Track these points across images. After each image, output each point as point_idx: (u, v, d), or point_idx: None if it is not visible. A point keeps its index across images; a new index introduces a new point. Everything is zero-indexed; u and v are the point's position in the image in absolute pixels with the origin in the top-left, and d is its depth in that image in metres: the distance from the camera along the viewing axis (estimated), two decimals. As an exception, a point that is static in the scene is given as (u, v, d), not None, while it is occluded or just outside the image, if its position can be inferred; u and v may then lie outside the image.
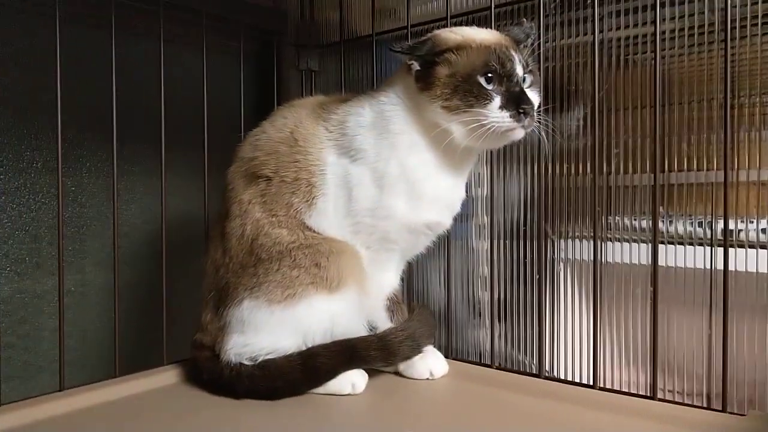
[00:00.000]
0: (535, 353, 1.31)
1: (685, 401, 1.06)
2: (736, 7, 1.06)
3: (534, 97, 1.00)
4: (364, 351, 1.05)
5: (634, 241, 1.21)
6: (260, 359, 1.04)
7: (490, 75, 0.97)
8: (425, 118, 1.02)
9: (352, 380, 1.06)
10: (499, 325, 1.37)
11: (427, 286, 1.49)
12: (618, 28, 1.21)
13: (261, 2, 1.61)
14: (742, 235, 1.10)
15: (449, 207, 1.10)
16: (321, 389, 1.05)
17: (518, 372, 1.20)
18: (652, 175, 1.07)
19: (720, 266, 1.01)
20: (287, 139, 1.08)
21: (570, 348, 1.29)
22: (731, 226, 1.09)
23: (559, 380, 1.17)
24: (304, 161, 1.06)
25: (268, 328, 1.03)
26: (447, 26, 1.20)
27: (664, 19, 1.13)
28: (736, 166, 1.09)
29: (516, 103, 0.96)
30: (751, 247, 1.09)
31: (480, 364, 1.26)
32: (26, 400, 1.02)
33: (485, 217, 1.40)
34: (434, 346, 1.19)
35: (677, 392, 1.16)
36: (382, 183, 1.04)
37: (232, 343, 1.05)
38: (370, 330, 1.09)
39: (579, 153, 1.27)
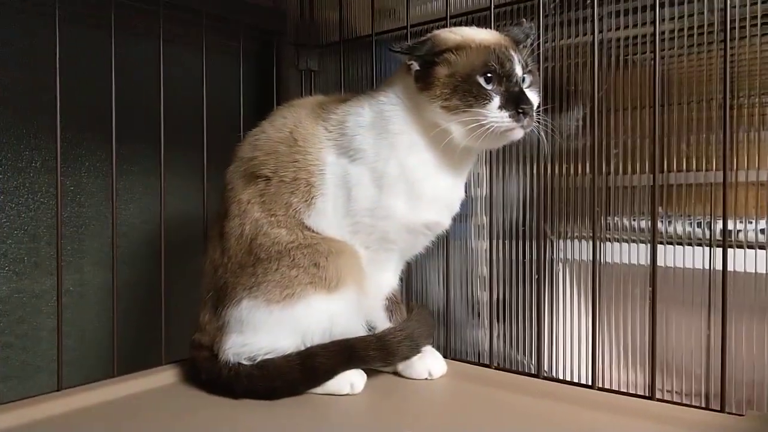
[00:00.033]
0: (533, 353, 1.31)
1: (684, 401, 1.06)
2: (735, 7, 1.06)
3: (533, 97, 1.00)
4: (363, 351, 1.05)
5: (633, 241, 1.21)
6: (259, 359, 1.03)
7: (489, 75, 0.97)
8: (424, 118, 1.02)
9: (351, 380, 1.05)
10: (498, 325, 1.37)
11: (426, 286, 1.49)
12: (617, 29, 1.21)
13: (261, 2, 1.61)
14: (741, 236, 1.10)
15: (448, 207, 1.10)
16: (319, 389, 1.05)
17: (517, 372, 1.20)
18: (652, 176, 1.07)
19: (719, 267, 1.01)
20: (286, 139, 1.08)
21: (569, 348, 1.29)
22: (730, 226, 1.09)
23: (557, 380, 1.16)
24: (303, 161, 1.06)
25: (266, 328, 1.03)
26: (446, 26, 1.20)
27: (663, 20, 1.13)
28: (735, 167, 1.09)
29: (515, 103, 0.96)
30: (750, 247, 1.09)
31: (479, 364, 1.26)
32: (24, 400, 1.02)
33: (484, 218, 1.40)
34: (433, 346, 1.19)
35: (676, 392, 1.16)
36: (382, 183, 1.04)
37: (230, 343, 1.05)
38: (369, 330, 1.09)
39: (578, 153, 1.27)
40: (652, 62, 1.05)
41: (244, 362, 1.04)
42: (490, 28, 1.13)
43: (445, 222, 1.11)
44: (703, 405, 1.08)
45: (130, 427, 0.97)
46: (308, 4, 1.67)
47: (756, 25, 1.06)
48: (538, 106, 1.02)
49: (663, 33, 1.14)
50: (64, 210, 1.35)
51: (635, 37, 1.19)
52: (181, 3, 1.35)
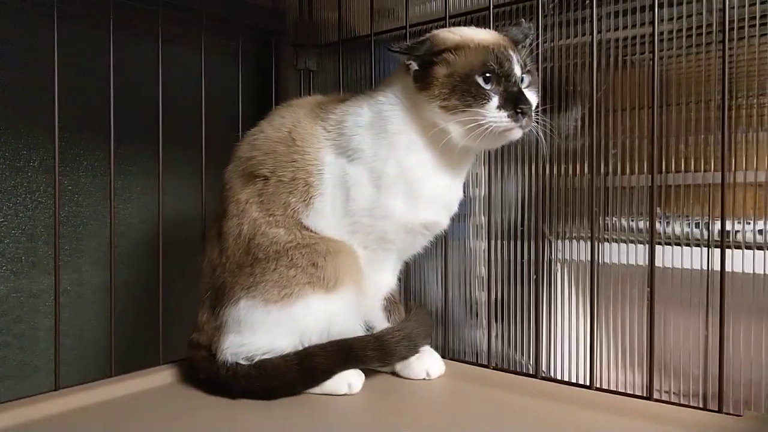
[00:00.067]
0: (531, 353, 1.31)
1: (682, 402, 1.06)
2: (734, 8, 1.06)
3: (532, 97, 1.00)
4: (361, 351, 1.05)
5: (632, 241, 1.21)
6: (257, 359, 1.03)
7: (488, 75, 0.97)
8: (423, 117, 1.02)
9: (349, 380, 1.05)
10: (496, 326, 1.37)
11: (425, 286, 1.49)
12: (616, 29, 1.21)
13: (260, 2, 1.61)
14: (739, 236, 1.10)
15: (447, 207, 1.10)
16: (317, 389, 1.05)
17: (515, 372, 1.20)
18: (650, 176, 1.07)
19: (717, 267, 1.01)
20: (285, 139, 1.08)
21: (567, 348, 1.29)
22: (728, 227, 1.08)
23: (555, 380, 1.16)
24: (301, 161, 1.06)
25: (264, 328, 1.03)
26: (445, 26, 1.20)
27: (662, 20, 1.14)
28: (733, 168, 1.09)
29: (514, 103, 0.96)
30: (748, 248, 1.09)
31: (477, 364, 1.26)
32: (21, 400, 1.02)
33: (483, 218, 1.40)
34: (431, 346, 1.19)
35: (674, 393, 1.16)
36: (380, 183, 1.03)
37: (228, 343, 1.05)
38: (367, 330, 1.09)
39: (577, 153, 1.27)
40: (651, 63, 1.05)
41: (242, 362, 1.04)
42: (489, 28, 1.13)
43: (444, 222, 1.11)
44: (701, 405, 1.08)
45: (128, 427, 0.97)
46: (307, 5, 1.68)
47: (754, 25, 1.06)
48: (537, 107, 1.02)
49: (662, 33, 1.14)
50: (62, 209, 1.35)
51: (634, 38, 1.19)
52: (180, 3, 1.35)
